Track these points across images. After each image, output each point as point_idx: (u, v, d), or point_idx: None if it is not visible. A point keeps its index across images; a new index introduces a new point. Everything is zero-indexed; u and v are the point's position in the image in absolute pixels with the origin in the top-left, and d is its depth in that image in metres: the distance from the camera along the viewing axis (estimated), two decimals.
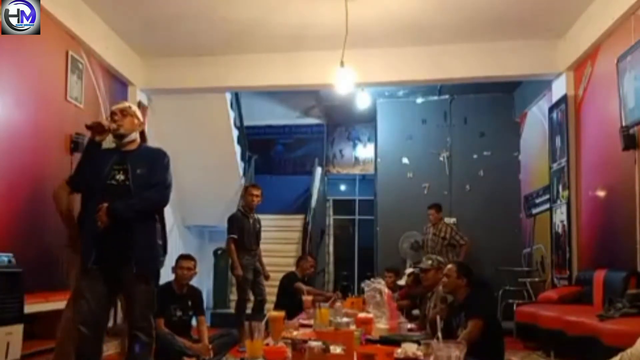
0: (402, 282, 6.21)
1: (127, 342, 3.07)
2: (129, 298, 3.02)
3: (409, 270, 6.34)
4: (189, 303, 4.32)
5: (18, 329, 3.89)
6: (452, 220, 8.46)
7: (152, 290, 3.03)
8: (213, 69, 7.28)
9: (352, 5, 5.56)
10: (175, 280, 4.29)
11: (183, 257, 4.37)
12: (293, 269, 7.13)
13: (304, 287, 6.28)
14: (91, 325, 2.90)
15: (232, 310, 8.37)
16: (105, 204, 2.85)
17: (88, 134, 3.20)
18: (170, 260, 7.96)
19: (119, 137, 3.09)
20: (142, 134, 3.24)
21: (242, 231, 6.18)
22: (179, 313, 4.22)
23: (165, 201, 3.13)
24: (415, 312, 5.64)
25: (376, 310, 3.50)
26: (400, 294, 6.05)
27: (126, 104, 3.22)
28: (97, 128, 3.06)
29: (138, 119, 3.16)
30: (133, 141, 3.12)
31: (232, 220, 6.32)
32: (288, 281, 6.63)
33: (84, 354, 2.91)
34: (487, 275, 7.37)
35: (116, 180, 2.96)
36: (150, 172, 3.01)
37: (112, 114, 3.12)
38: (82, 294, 2.93)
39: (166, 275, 6.85)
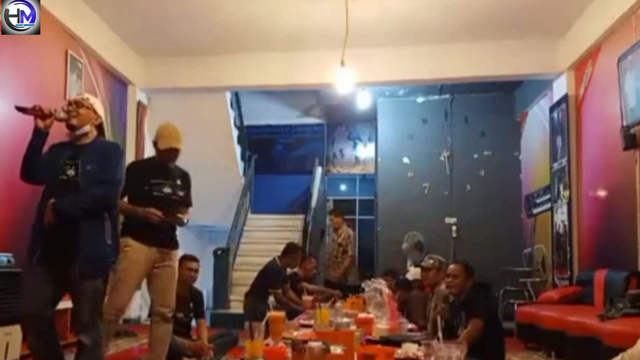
0: (409, 276, 6.21)
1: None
2: (74, 298, 2.89)
3: (412, 270, 6.34)
4: (190, 305, 4.30)
5: (17, 329, 3.89)
6: (453, 220, 8.45)
7: (97, 289, 2.90)
8: (213, 69, 7.28)
9: (353, 5, 5.56)
10: (177, 280, 4.26)
11: (187, 258, 4.29)
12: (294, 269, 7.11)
13: (310, 287, 6.26)
14: (35, 326, 2.84)
15: (232, 311, 8.38)
16: (52, 201, 2.76)
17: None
18: None
19: (71, 128, 2.94)
20: (100, 128, 3.06)
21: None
22: (179, 314, 4.20)
23: (113, 199, 2.96)
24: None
25: (376, 311, 3.49)
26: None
27: (85, 95, 3.04)
28: (32, 112, 2.85)
29: (95, 112, 3.00)
30: (86, 135, 2.96)
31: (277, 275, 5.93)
32: (292, 281, 6.58)
33: (37, 355, 2.86)
34: (487, 275, 7.35)
35: (67, 175, 2.84)
36: (100, 168, 2.87)
37: (68, 104, 2.96)
38: (25, 295, 2.86)
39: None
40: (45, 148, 2.96)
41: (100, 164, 2.88)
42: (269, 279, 5.77)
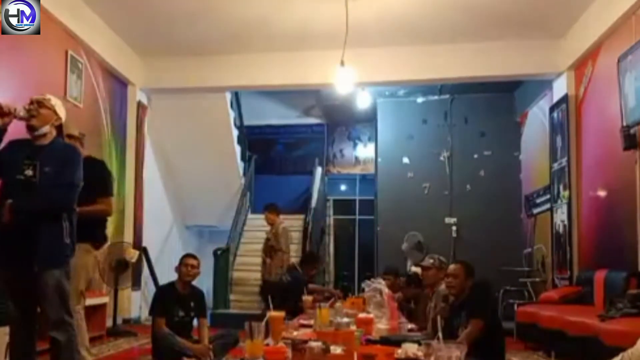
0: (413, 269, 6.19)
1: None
2: (39, 297, 2.86)
3: (413, 268, 6.33)
4: (192, 304, 4.30)
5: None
6: (453, 220, 8.45)
7: (60, 284, 2.86)
8: (213, 69, 7.29)
9: (353, 5, 5.56)
10: (179, 279, 4.27)
11: (188, 255, 4.36)
12: None
13: (315, 286, 6.26)
14: (19, 327, 2.86)
15: (232, 311, 8.38)
16: (10, 201, 2.74)
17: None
18: (169, 261, 7.97)
19: (31, 128, 2.91)
20: (60, 129, 3.05)
21: None
22: (181, 313, 4.20)
23: (70, 202, 2.93)
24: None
25: (376, 311, 3.49)
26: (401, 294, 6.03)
27: (47, 96, 3.02)
28: None
29: (56, 113, 2.99)
30: (44, 135, 2.93)
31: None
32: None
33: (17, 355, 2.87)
34: (487, 275, 7.35)
35: (24, 175, 2.83)
36: (59, 171, 2.86)
37: (29, 103, 2.92)
38: (5, 295, 2.87)
39: (166, 277, 6.85)
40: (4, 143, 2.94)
41: (59, 167, 2.87)
42: (298, 293, 5.80)
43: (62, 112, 3.05)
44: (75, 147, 3.22)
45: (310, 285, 6.16)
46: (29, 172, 2.83)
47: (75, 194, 2.95)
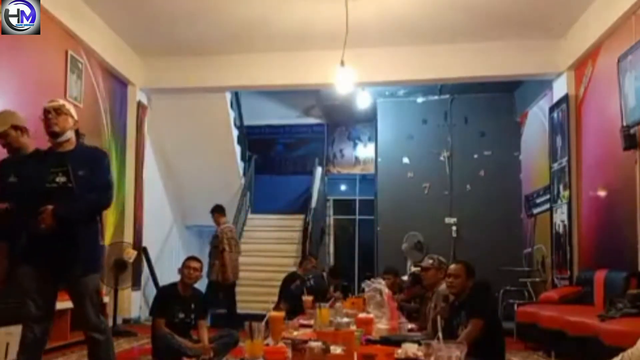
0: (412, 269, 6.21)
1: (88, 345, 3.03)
2: (77, 300, 2.98)
3: (413, 268, 6.34)
4: (192, 306, 4.31)
5: (18, 329, 3.88)
6: (453, 220, 8.45)
7: (98, 289, 3.06)
8: (213, 69, 7.28)
9: (353, 5, 5.56)
10: (181, 281, 4.28)
11: (191, 258, 4.41)
12: (293, 269, 7.12)
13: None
14: (39, 325, 2.91)
15: None
16: (50, 207, 2.79)
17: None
18: (169, 261, 7.95)
19: (54, 135, 2.98)
20: (77, 133, 3.13)
21: None
22: (181, 315, 4.20)
23: (109, 203, 3.11)
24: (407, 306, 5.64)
25: (376, 311, 3.49)
26: (407, 293, 6.03)
27: (60, 101, 3.09)
28: None
29: (73, 117, 3.05)
30: (68, 141, 3.01)
31: None
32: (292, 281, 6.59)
33: (29, 353, 2.93)
34: (487, 275, 7.35)
35: (57, 182, 2.88)
36: (92, 174, 2.94)
37: (46, 112, 2.97)
38: (30, 295, 2.89)
39: (167, 276, 6.85)
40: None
41: (91, 170, 2.94)
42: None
43: (76, 115, 3.12)
44: (100, 148, 3.31)
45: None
46: (62, 179, 2.89)
47: (112, 193, 3.09)
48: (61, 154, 2.97)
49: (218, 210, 7.32)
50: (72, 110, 3.08)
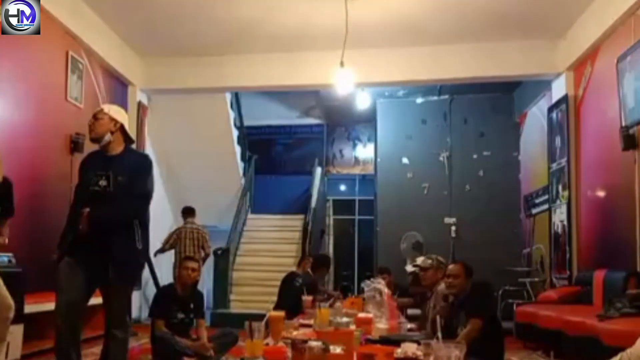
0: (409, 267, 6.21)
1: (104, 341, 3.13)
2: (108, 297, 3.08)
3: (410, 268, 6.34)
4: (191, 306, 4.30)
5: (18, 329, 3.90)
6: (452, 220, 8.45)
7: (129, 293, 3.14)
8: (213, 69, 7.29)
9: (352, 6, 5.57)
10: (179, 282, 4.27)
11: (187, 258, 4.38)
12: (293, 268, 7.12)
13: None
14: (68, 316, 2.96)
15: (232, 310, 8.38)
16: (87, 210, 2.91)
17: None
18: (170, 260, 7.96)
19: (92, 141, 3.12)
20: (124, 132, 3.16)
21: None
22: (180, 315, 4.19)
23: (144, 211, 3.14)
24: (412, 311, 5.63)
25: (376, 310, 3.50)
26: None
27: (99, 107, 3.20)
28: None
29: (113, 119, 3.10)
30: (111, 143, 3.09)
31: None
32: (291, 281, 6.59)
33: (61, 345, 2.97)
34: (486, 275, 7.36)
35: (99, 186, 2.97)
36: (132, 181, 3.00)
37: (93, 118, 3.14)
38: (60, 285, 2.99)
39: (167, 276, 6.85)
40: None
41: (132, 176, 3.01)
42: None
43: (118, 115, 3.16)
44: (146, 155, 3.43)
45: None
46: (103, 183, 2.98)
47: (149, 204, 3.13)
48: (107, 158, 3.07)
49: (189, 212, 7.66)
50: (113, 111, 3.14)
